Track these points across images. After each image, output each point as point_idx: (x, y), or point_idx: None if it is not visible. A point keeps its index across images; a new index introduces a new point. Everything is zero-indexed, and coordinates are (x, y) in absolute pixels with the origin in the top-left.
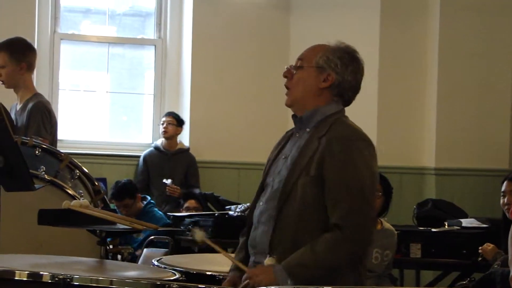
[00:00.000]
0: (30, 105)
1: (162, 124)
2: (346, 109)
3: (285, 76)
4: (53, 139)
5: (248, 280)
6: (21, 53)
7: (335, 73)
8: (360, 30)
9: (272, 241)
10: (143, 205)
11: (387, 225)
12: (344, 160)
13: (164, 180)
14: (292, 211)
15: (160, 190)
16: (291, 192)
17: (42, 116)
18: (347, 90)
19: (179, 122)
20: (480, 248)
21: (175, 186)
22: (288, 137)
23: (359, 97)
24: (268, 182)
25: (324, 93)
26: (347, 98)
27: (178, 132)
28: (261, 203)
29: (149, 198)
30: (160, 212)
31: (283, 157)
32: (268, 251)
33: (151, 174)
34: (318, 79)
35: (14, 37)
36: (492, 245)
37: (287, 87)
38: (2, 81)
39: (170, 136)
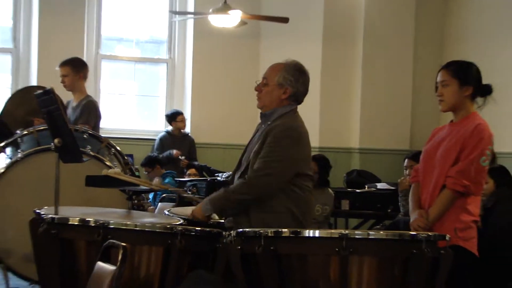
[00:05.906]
0: (83, 102)
1: (181, 121)
2: (300, 107)
3: (256, 90)
4: (97, 127)
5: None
6: (79, 67)
7: (291, 87)
8: (308, 51)
9: None
10: (163, 171)
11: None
12: (272, 141)
13: (179, 156)
14: None
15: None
16: (248, 166)
17: (90, 111)
18: (300, 96)
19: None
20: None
21: (186, 160)
22: (258, 128)
23: (307, 99)
24: (242, 162)
25: (284, 101)
26: (300, 100)
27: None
28: (236, 177)
29: (174, 172)
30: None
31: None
32: None
33: (164, 150)
34: (280, 92)
35: (75, 57)
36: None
37: (258, 97)
38: (65, 86)
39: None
